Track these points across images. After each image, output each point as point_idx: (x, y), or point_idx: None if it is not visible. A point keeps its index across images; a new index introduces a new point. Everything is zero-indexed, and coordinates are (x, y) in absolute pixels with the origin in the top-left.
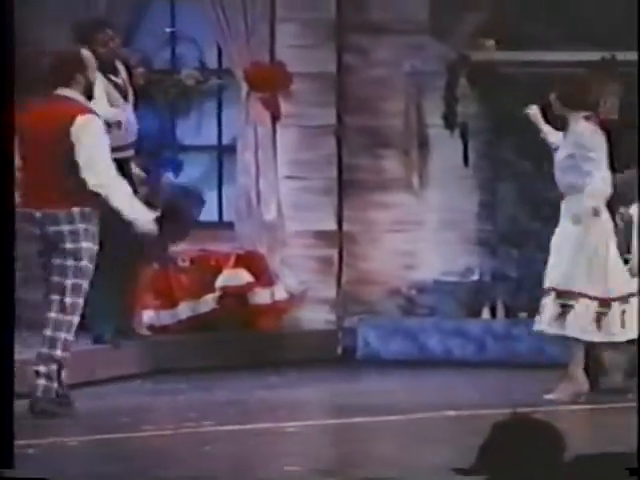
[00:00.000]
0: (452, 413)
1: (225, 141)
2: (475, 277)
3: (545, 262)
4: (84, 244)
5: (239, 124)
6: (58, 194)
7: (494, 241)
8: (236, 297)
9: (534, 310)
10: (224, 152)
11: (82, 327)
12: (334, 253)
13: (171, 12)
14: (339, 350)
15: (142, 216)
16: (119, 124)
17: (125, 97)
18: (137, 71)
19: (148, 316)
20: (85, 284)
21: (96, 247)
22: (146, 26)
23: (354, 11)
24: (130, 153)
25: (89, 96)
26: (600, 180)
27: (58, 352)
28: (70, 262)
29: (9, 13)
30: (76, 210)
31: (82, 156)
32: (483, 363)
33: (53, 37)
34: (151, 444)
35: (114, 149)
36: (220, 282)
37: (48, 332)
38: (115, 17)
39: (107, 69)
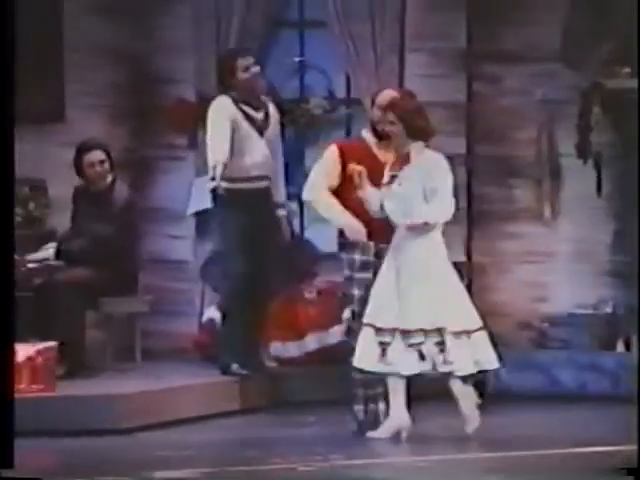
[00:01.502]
0: (586, 449)
1: None
2: (609, 309)
3: None
4: (357, 275)
5: None
6: None
7: (628, 272)
8: None
9: None
10: None
11: (209, 358)
12: (463, 284)
13: (300, 41)
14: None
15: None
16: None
17: (261, 133)
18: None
19: (275, 348)
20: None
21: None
22: (275, 55)
23: (485, 40)
24: (260, 185)
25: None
26: (446, 204)
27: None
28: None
29: (10, 13)
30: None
31: None
32: (618, 398)
33: (181, 68)
34: (278, 477)
35: (240, 179)
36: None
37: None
38: (244, 47)
39: (248, 103)
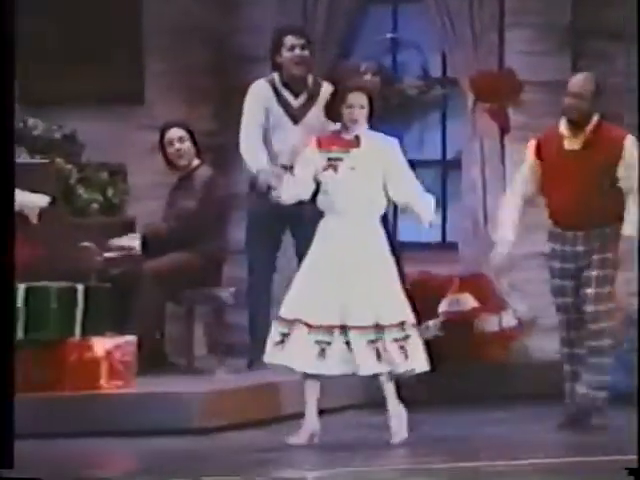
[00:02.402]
0: None
1: (449, 155)
2: None
3: None
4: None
5: (464, 137)
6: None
7: None
8: (460, 324)
9: None
10: (448, 167)
11: None
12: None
13: (393, 17)
14: None
15: None
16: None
17: (295, 119)
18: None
19: None
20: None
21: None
22: (367, 32)
23: (592, 14)
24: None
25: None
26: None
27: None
28: (595, 272)
29: (10, 12)
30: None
31: None
32: None
33: (255, 45)
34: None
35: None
36: (443, 307)
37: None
38: (333, 24)
39: (288, 85)
